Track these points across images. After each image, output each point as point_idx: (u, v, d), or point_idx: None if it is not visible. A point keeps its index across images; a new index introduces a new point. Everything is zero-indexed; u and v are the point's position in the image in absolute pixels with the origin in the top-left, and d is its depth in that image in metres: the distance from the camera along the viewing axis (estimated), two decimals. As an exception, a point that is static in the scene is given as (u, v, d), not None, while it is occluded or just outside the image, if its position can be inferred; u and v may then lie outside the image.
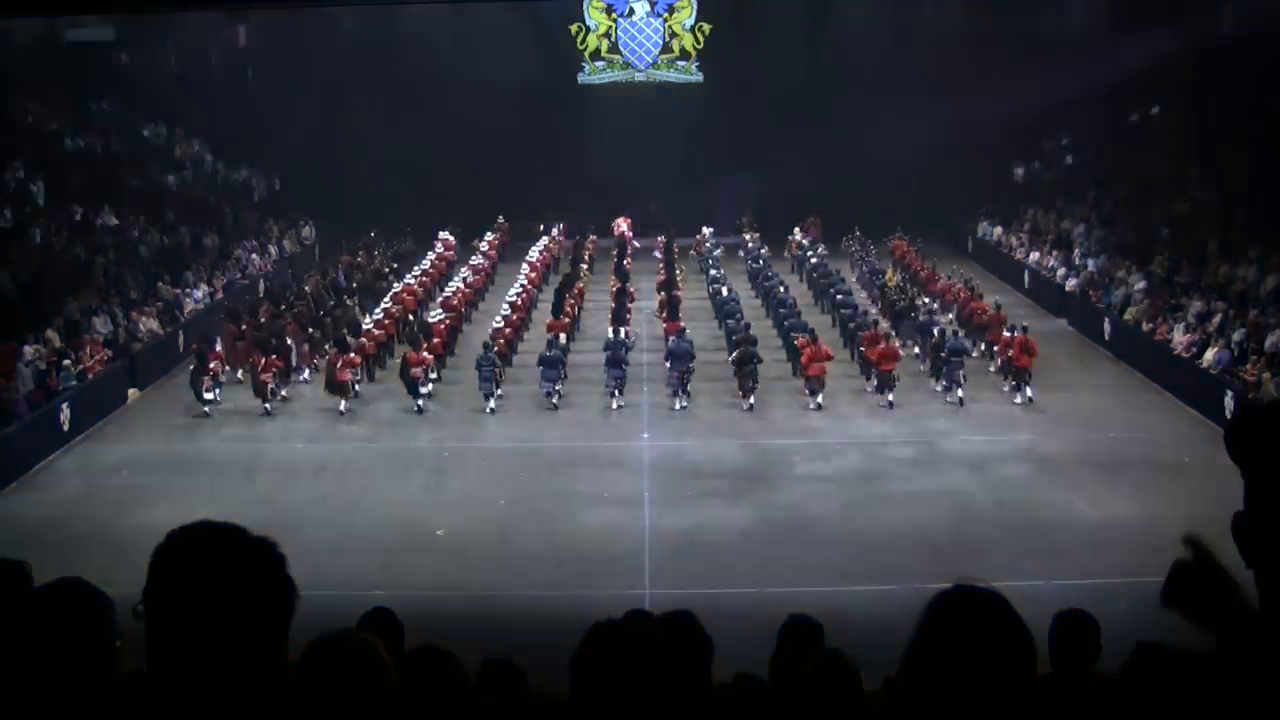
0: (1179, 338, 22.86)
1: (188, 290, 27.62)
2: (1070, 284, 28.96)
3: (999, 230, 35.64)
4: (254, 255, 32.47)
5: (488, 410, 21.77)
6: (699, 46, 40.74)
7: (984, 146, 37.14)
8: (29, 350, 20.70)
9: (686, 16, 40.74)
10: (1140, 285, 26.09)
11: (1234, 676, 2.55)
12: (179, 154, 34.90)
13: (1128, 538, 15.67)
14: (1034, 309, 29.93)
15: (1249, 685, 2.47)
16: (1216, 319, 22.34)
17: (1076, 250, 30.37)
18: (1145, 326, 24.47)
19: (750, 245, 34.70)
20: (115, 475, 18.94)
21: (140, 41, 33.31)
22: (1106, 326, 25.89)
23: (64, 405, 20.17)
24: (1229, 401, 19.87)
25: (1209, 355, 21.47)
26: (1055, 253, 31.24)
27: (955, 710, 2.26)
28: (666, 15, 40.80)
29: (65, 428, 20.08)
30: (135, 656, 2.44)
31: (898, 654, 2.43)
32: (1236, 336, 21.37)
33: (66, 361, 21.17)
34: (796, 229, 36.17)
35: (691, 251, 35.11)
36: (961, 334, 23.98)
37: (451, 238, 34.94)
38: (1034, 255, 32.22)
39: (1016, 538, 15.86)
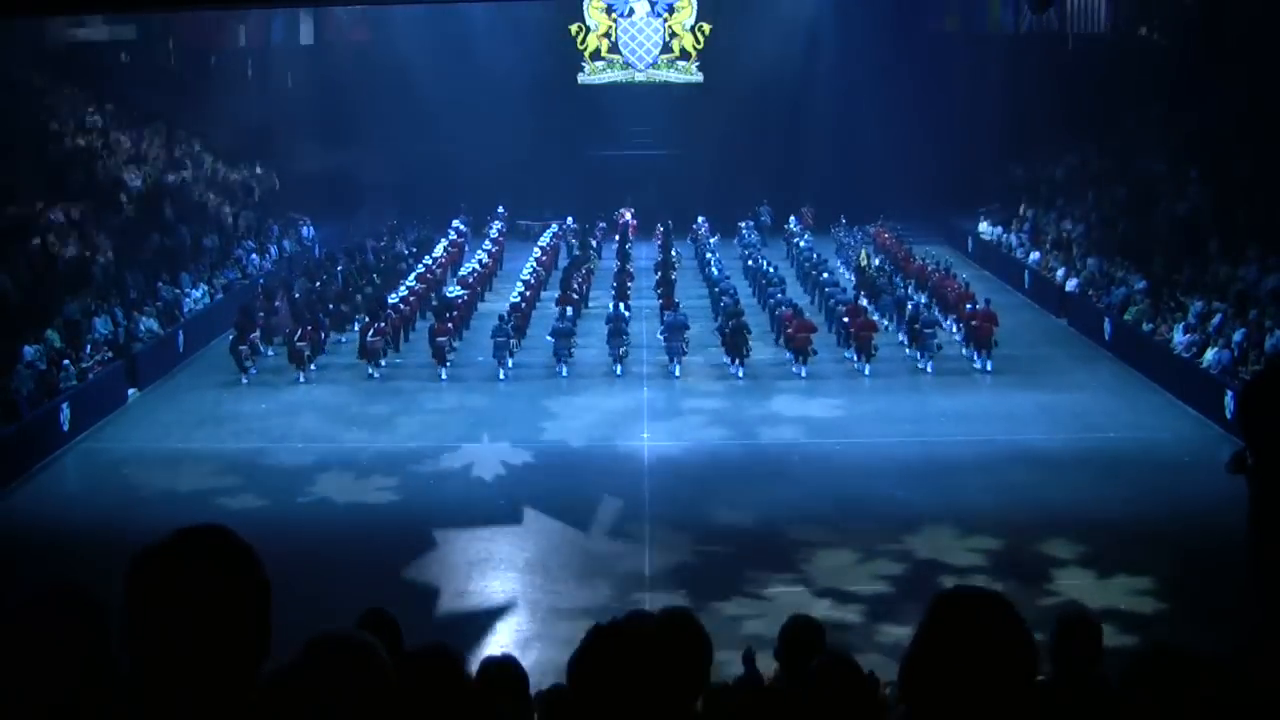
0: (1179, 338, 22.85)
1: (187, 290, 27.63)
2: (1070, 284, 28.95)
3: (999, 230, 35.67)
4: (254, 255, 32.50)
5: (500, 376, 23.78)
6: (699, 46, 40.77)
7: (984, 146, 37.19)
8: (29, 350, 20.69)
9: (686, 16, 40.77)
10: (1140, 285, 26.09)
11: (1235, 678, 2.55)
12: (179, 154, 34.88)
13: (1127, 538, 15.68)
14: (1034, 309, 29.97)
15: (1250, 687, 2.47)
16: (1216, 319, 22.33)
17: (1077, 250, 30.37)
18: (1145, 326, 24.47)
19: (744, 233, 36.48)
20: (115, 475, 18.93)
21: (140, 41, 33.32)
22: (1106, 326, 25.89)
23: (64, 405, 20.16)
24: (1229, 401, 19.87)
25: (1209, 355, 21.47)
26: (1055, 253, 31.25)
27: (957, 711, 2.26)
28: (666, 15, 40.84)
29: (65, 428, 20.07)
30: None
31: (899, 654, 2.43)
32: (1236, 336, 21.36)
33: (66, 361, 21.16)
34: (792, 217, 37.58)
35: (688, 239, 36.77)
36: (936, 308, 26.67)
37: (464, 226, 37.31)
38: (1034, 255, 32.23)
39: (1016, 538, 15.86)
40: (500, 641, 12.75)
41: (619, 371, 24.01)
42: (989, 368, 23.85)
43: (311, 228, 37.08)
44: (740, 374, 23.59)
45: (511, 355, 24.34)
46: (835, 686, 4.21)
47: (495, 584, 14.69)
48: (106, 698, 2.40)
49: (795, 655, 5.17)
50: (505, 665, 4.80)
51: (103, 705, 2.38)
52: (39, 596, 2.55)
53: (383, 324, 25.17)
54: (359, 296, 28.72)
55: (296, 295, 28.02)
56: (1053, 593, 13.79)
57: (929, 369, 23.86)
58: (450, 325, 25.19)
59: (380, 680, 2.39)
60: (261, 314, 26.22)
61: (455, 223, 37.26)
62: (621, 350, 24.24)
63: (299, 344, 24.13)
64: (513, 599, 14.20)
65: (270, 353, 25.60)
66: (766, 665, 6.45)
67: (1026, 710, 2.29)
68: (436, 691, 3.04)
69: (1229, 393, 19.92)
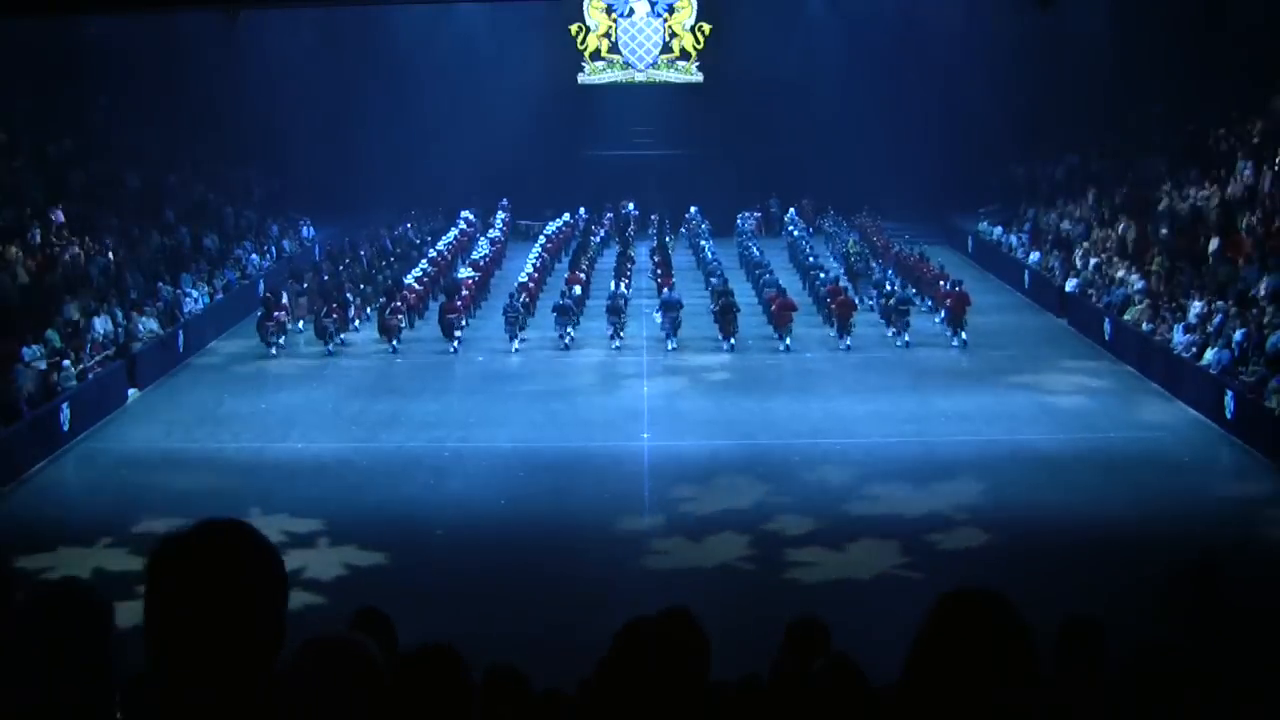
0: (1179, 338, 22.84)
1: (187, 290, 27.64)
2: (1070, 284, 28.96)
3: (999, 230, 35.69)
4: (254, 255, 32.50)
5: (512, 351, 25.72)
6: (699, 46, 40.80)
7: (984, 146, 37.20)
8: (29, 350, 20.67)
9: (686, 16, 40.80)
10: (1140, 285, 26.09)
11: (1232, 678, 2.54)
12: (179, 154, 34.87)
13: (1128, 538, 15.66)
14: (1034, 309, 29.97)
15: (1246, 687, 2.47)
16: (1217, 319, 22.32)
17: (1077, 251, 30.38)
18: (1145, 326, 24.47)
19: (739, 224, 38.21)
20: (115, 475, 18.92)
21: (140, 40, 33.28)
22: (1106, 326, 25.89)
23: (64, 405, 20.15)
24: (1229, 401, 19.87)
25: (1209, 355, 21.45)
26: (1055, 252, 31.24)
27: (959, 712, 2.26)
28: (666, 15, 40.88)
29: (65, 428, 20.06)
30: (133, 656, 2.44)
31: (900, 654, 2.42)
32: (1236, 336, 21.34)
33: (66, 361, 21.14)
34: (791, 209, 39.23)
35: (682, 230, 38.46)
36: (912, 290, 28.86)
37: (473, 216, 38.73)
38: (1034, 255, 32.23)
39: (1016, 538, 15.85)
40: (498, 643, 12.72)
41: (616, 345, 25.89)
42: (961, 341, 25.84)
43: (311, 228, 37.13)
44: (730, 347, 25.57)
45: (521, 329, 26.29)
46: (837, 689, 4.20)
47: (493, 585, 14.66)
48: (109, 694, 2.40)
49: (799, 654, 5.17)
50: (505, 668, 4.79)
51: (105, 701, 2.38)
52: (43, 594, 2.55)
53: (399, 303, 27.11)
54: (379, 278, 30.61)
55: (325, 277, 29.87)
56: (1053, 593, 13.76)
57: (903, 343, 25.87)
58: (460, 305, 27.05)
59: (373, 682, 2.39)
60: (293, 293, 27.98)
61: (465, 213, 38.58)
62: (618, 326, 26.16)
63: (325, 320, 25.99)
64: (511, 600, 14.17)
65: (296, 329, 27.22)
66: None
67: (1028, 710, 2.28)
68: (439, 692, 3.04)
69: (1229, 393, 19.92)
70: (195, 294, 27.81)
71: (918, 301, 28.40)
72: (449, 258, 34.12)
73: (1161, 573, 4.65)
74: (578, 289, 28.26)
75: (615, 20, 40.92)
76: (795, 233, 36.50)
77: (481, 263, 32.52)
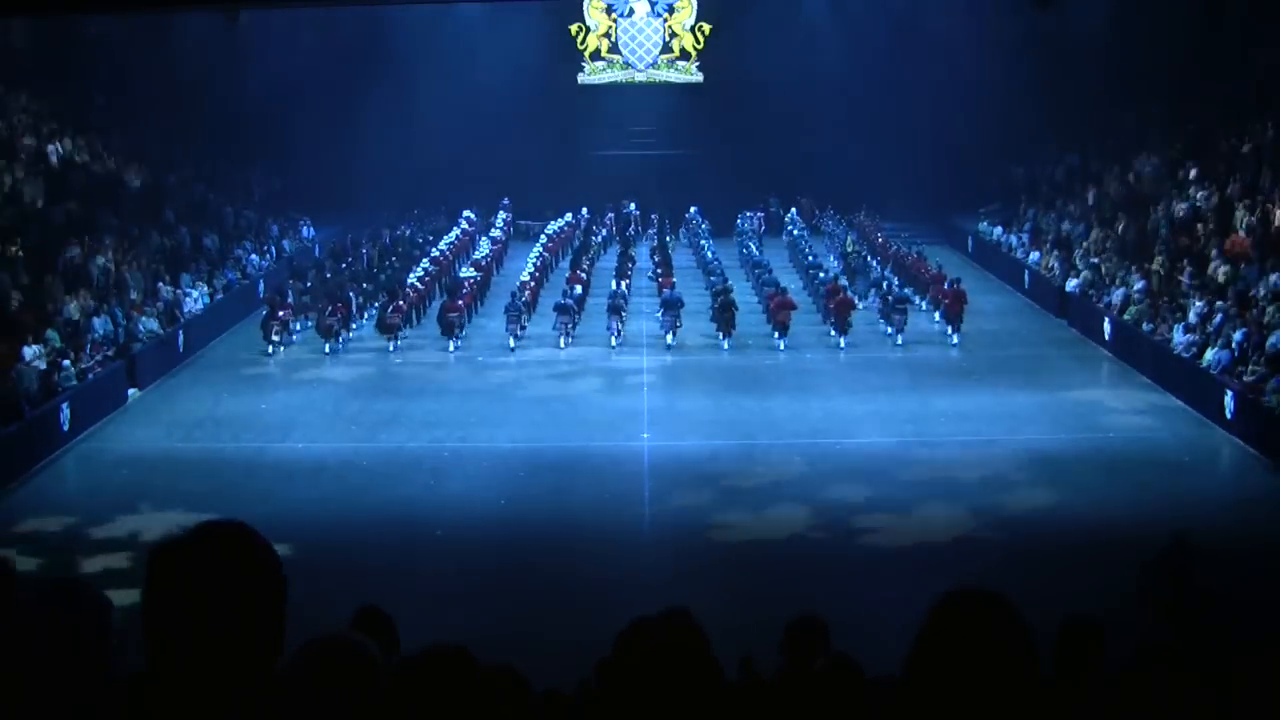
0: (1179, 338, 22.84)
1: (187, 290, 27.64)
2: (1070, 284, 28.97)
3: (999, 230, 35.69)
4: (254, 255, 32.50)
5: (510, 345, 26.02)
6: (699, 46, 40.81)
7: (984, 146, 37.20)
8: (29, 350, 20.68)
9: (686, 16, 40.80)
10: (1140, 285, 26.08)
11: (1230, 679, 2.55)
12: (179, 154, 34.84)
13: (1128, 538, 15.66)
14: (1034, 309, 29.98)
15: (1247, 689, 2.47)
16: (1217, 319, 22.32)
17: (1077, 251, 30.38)
18: (1145, 326, 24.47)
19: (739, 223, 38.54)
20: (115, 475, 18.93)
21: (139, 39, 33.29)
22: (1106, 326, 25.89)
23: (64, 405, 20.14)
24: (1229, 401, 19.87)
25: (1209, 355, 21.45)
26: (1055, 253, 31.23)
27: (958, 711, 2.26)
28: (666, 15, 40.87)
29: (65, 428, 20.05)
30: (133, 656, 2.44)
31: (900, 655, 2.42)
32: (1237, 336, 21.34)
33: (66, 361, 21.14)
34: (793, 209, 39.35)
35: (682, 229, 38.90)
36: (909, 289, 29.31)
37: (474, 215, 38.92)
38: (1034, 255, 32.23)
39: (1016, 539, 15.85)
40: (497, 643, 12.72)
41: (615, 344, 26.14)
42: (958, 340, 26.27)
43: (311, 228, 37.12)
44: (729, 346, 25.83)
45: (523, 328, 26.63)
46: (837, 689, 4.20)
47: (493, 585, 14.67)
48: (109, 693, 2.40)
49: (800, 653, 5.17)
50: (505, 668, 4.79)
51: (105, 700, 2.37)
52: (44, 594, 2.55)
53: (400, 302, 27.41)
54: (382, 277, 30.89)
55: (328, 275, 30.09)
56: (1053, 594, 13.76)
57: (899, 340, 26.23)
58: (460, 304, 27.33)
59: (373, 683, 2.39)
60: (296, 292, 28.16)
61: (466, 213, 38.75)
62: (618, 325, 26.57)
63: (328, 319, 26.10)
64: (511, 600, 14.17)
65: (299, 327, 27.36)
66: (766, 666, 6.44)
67: (1027, 710, 2.28)
68: (449, 692, 3.03)
69: (1229, 392, 19.92)
70: (195, 294, 27.80)
71: (915, 300, 28.72)
72: (450, 257, 34.30)
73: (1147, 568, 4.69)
74: (579, 288, 28.58)
75: (615, 20, 40.92)
76: (795, 232, 36.76)
77: (483, 262, 32.74)
